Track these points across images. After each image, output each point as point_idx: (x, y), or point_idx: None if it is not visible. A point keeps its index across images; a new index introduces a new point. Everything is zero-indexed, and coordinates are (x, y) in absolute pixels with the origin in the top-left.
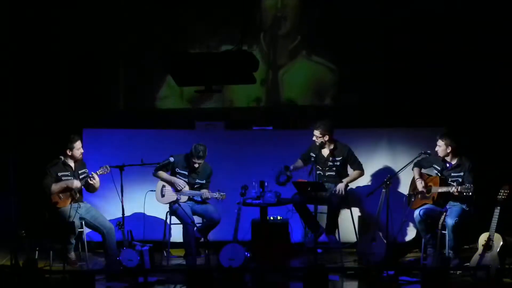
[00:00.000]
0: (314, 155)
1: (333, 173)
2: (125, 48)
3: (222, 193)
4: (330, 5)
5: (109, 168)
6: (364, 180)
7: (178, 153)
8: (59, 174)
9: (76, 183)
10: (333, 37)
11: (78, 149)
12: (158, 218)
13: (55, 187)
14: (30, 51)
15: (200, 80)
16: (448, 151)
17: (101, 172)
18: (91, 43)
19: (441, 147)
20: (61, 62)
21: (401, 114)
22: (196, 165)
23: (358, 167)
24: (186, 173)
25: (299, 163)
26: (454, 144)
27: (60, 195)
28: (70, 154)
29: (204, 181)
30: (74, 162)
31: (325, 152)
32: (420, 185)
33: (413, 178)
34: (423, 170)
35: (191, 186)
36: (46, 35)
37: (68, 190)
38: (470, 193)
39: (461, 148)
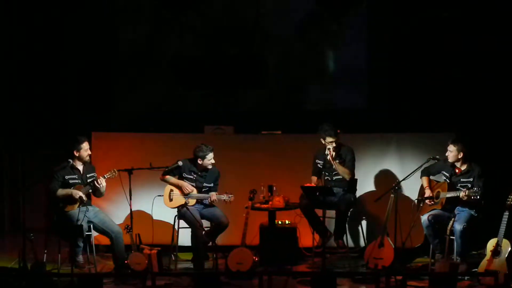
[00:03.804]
0: (320, 162)
1: (340, 177)
2: (134, 52)
3: (230, 195)
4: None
5: (116, 172)
6: (373, 185)
7: (186, 157)
8: (67, 177)
9: (80, 194)
10: None
11: (85, 150)
12: (166, 221)
13: (61, 192)
14: (39, 56)
15: (209, 84)
16: (460, 156)
17: (109, 176)
18: (100, 47)
19: (452, 153)
20: (70, 66)
21: (410, 119)
22: (210, 166)
23: (349, 168)
24: (193, 177)
25: (314, 180)
26: (466, 149)
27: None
28: (77, 155)
29: (211, 185)
30: (83, 165)
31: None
32: (428, 194)
33: (422, 185)
34: (431, 177)
35: (199, 190)
36: (55, 39)
37: (72, 198)
38: (478, 197)
39: (471, 153)
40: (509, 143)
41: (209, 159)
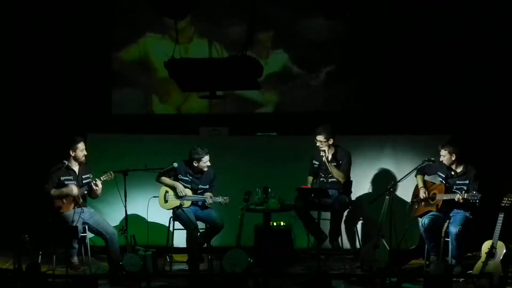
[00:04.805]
0: (317, 163)
1: (336, 179)
2: (130, 52)
3: (225, 197)
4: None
5: (113, 175)
6: (368, 187)
7: (182, 158)
8: (62, 178)
9: (75, 191)
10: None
11: (81, 150)
12: (162, 223)
13: (55, 192)
14: (37, 56)
15: (204, 86)
16: (453, 158)
17: (104, 178)
18: (95, 48)
19: (445, 157)
20: (66, 68)
21: (405, 120)
22: (205, 168)
23: (344, 172)
24: (188, 179)
25: (310, 180)
26: (458, 151)
27: (64, 199)
28: (73, 155)
29: (207, 186)
30: (78, 166)
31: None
32: (423, 193)
33: (416, 185)
34: (427, 177)
35: (194, 191)
36: (52, 39)
37: (68, 196)
38: (477, 201)
39: (466, 155)
40: (504, 144)
41: (205, 162)
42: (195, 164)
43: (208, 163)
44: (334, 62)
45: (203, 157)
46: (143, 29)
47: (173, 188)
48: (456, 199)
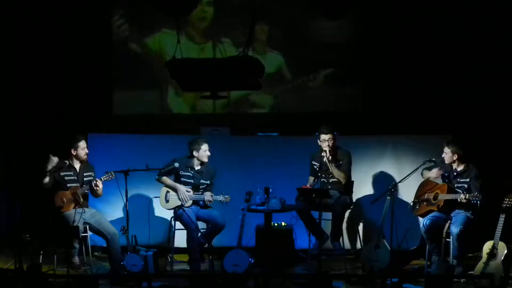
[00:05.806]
0: (317, 164)
1: (337, 180)
2: (130, 53)
3: (226, 196)
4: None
5: (114, 174)
6: (369, 188)
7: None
8: (62, 174)
9: (68, 197)
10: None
11: (82, 148)
12: (163, 223)
13: (50, 181)
14: (37, 56)
15: (205, 86)
16: (455, 158)
17: (105, 178)
18: (96, 47)
19: (447, 154)
20: (67, 69)
21: (406, 120)
22: (205, 159)
23: (344, 172)
24: (190, 174)
25: (310, 180)
26: (461, 151)
27: (64, 199)
28: (74, 153)
29: (209, 181)
30: (80, 164)
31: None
32: (435, 173)
33: (419, 185)
34: (430, 178)
35: (197, 187)
36: (51, 40)
37: (62, 195)
38: (478, 202)
39: (468, 155)
40: (504, 144)
41: (205, 150)
42: (195, 154)
43: (208, 153)
44: (334, 62)
45: (202, 145)
46: (144, 28)
47: (174, 189)
48: (459, 200)
